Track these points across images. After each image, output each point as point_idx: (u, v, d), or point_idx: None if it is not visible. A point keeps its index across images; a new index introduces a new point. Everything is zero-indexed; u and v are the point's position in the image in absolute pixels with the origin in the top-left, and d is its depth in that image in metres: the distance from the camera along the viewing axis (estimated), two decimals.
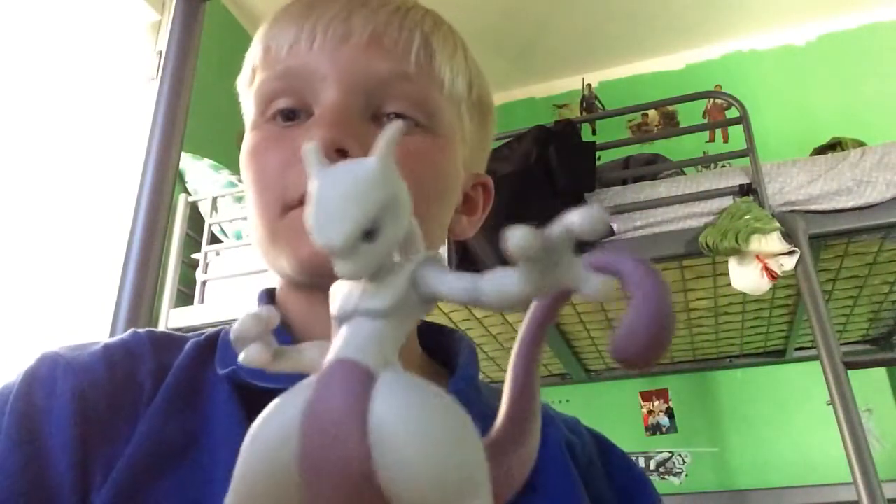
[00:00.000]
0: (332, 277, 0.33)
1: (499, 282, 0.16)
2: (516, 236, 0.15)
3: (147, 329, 0.47)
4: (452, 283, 0.17)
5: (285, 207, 0.43)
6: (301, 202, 0.42)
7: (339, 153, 0.41)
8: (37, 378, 0.40)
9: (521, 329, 0.21)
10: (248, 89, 0.49)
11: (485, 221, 0.54)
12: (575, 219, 0.15)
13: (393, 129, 0.17)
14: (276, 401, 0.17)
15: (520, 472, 0.19)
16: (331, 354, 0.17)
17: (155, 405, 0.40)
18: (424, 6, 0.49)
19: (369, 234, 0.16)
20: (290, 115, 0.45)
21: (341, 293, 0.18)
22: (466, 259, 1.51)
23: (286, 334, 0.46)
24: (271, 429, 0.16)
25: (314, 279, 0.43)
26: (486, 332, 2.00)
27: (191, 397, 0.41)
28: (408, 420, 0.15)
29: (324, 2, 0.46)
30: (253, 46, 0.49)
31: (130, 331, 0.46)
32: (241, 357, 0.19)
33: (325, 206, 0.16)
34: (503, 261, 0.17)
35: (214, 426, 0.40)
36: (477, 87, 0.50)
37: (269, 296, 0.50)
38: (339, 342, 0.17)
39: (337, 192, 0.16)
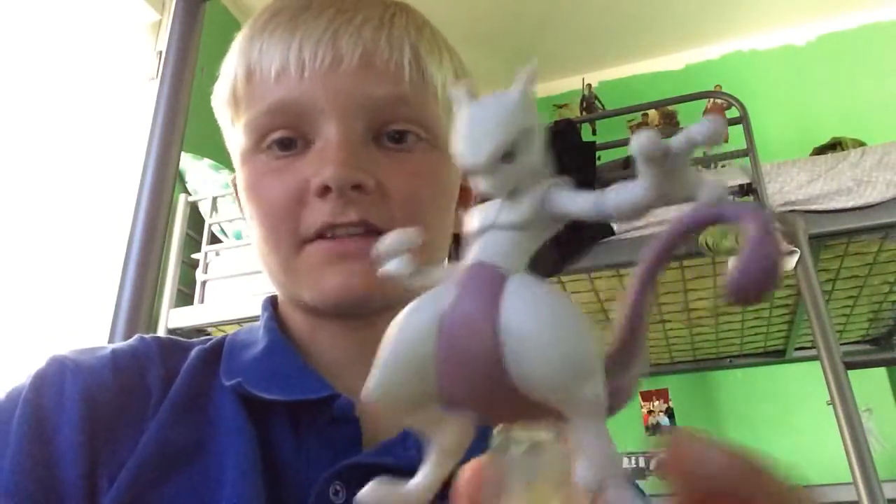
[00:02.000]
0: (354, 308, 0.37)
1: (623, 192, 0.18)
2: (641, 137, 0.16)
3: (153, 335, 0.47)
4: (579, 200, 0.19)
5: (300, 243, 0.43)
6: (316, 237, 0.43)
7: (354, 189, 0.42)
8: (46, 381, 0.40)
9: (640, 262, 0.23)
10: (229, 110, 0.48)
11: None
12: (697, 129, 0.17)
13: (531, 67, 0.19)
14: (417, 300, 0.19)
15: (627, 392, 0.21)
16: (469, 259, 0.19)
17: (163, 410, 0.40)
18: (403, 4, 0.48)
19: (508, 156, 0.18)
20: (287, 144, 0.44)
21: (480, 213, 0.20)
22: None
23: (289, 344, 0.47)
24: (415, 325, 0.19)
25: (339, 309, 0.44)
26: None
27: (197, 404, 0.42)
28: (532, 315, 0.17)
29: (305, 19, 0.44)
30: (233, 60, 0.47)
31: (137, 336, 0.46)
32: (384, 267, 0.21)
33: (472, 131, 0.18)
34: None
35: (220, 433, 0.40)
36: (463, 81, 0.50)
37: (273, 304, 0.51)
38: (476, 250, 0.19)
39: (482, 120, 0.19)
